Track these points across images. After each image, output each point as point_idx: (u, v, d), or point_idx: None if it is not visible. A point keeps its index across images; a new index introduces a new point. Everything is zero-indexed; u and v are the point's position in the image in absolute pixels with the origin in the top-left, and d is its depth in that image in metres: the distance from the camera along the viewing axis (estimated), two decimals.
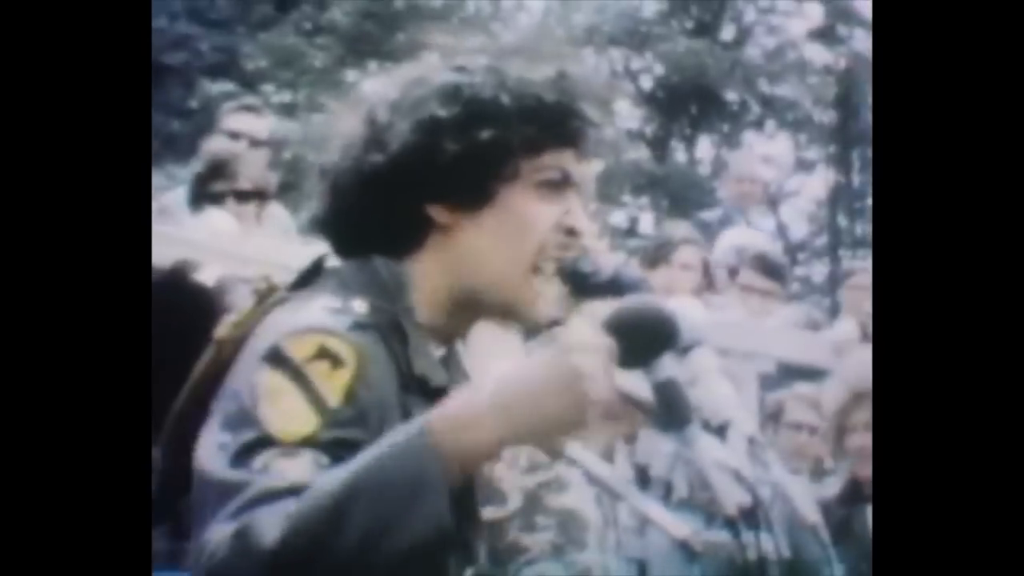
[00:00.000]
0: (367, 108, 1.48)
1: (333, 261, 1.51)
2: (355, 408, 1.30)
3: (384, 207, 1.46)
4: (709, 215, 6.27)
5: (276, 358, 1.31)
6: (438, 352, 1.47)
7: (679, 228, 5.04)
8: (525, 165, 1.45)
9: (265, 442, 1.26)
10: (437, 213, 1.46)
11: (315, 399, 1.29)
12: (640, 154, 15.46)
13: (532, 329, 1.52)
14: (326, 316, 1.36)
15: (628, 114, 16.18)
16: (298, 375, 1.29)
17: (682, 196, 14.50)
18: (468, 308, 1.49)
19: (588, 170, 1.55)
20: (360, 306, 1.39)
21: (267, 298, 1.44)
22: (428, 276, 1.47)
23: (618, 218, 16.03)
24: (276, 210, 5.02)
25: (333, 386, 1.30)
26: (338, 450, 1.27)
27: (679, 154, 16.30)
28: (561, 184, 1.48)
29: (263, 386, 1.29)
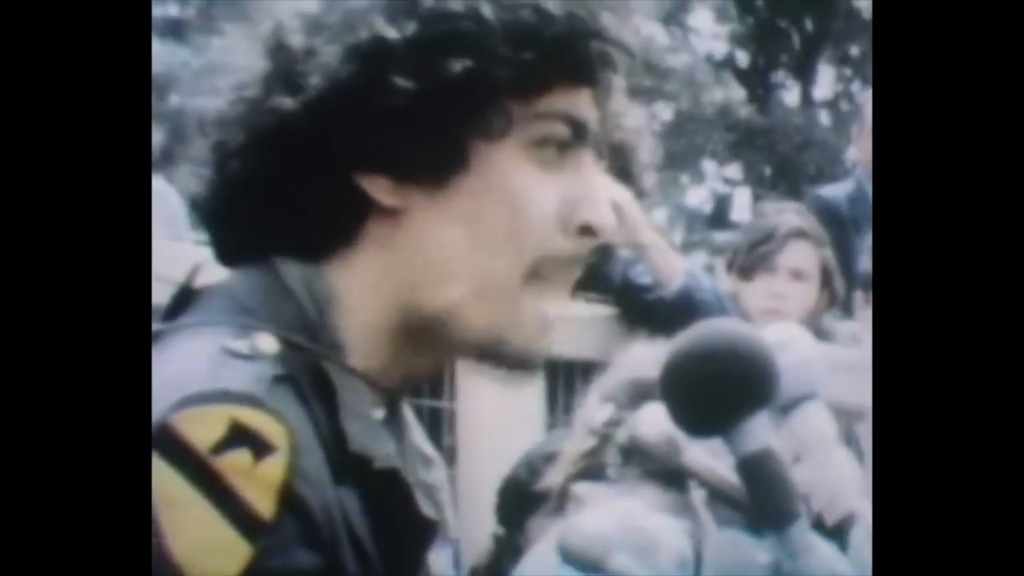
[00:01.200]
0: (272, 27, 1.45)
1: (219, 271, 1.48)
2: (298, 518, 1.29)
3: (295, 181, 1.42)
4: (833, 191, 6.26)
5: (168, 447, 1.27)
6: (376, 414, 1.45)
7: (788, 212, 5.01)
8: (517, 113, 1.41)
9: None
10: (378, 190, 1.41)
11: (239, 514, 1.27)
12: (729, 95, 15.44)
13: (526, 368, 1.47)
14: (232, 369, 1.33)
15: (709, 33, 16.17)
16: (207, 477, 1.27)
17: (792, 161, 14.48)
18: (425, 343, 1.47)
19: (625, 122, 1.50)
20: (267, 343, 1.36)
21: None
22: (362, 292, 1.43)
23: (696, 197, 15.96)
24: (158, 186, 5.06)
25: (262, 488, 1.28)
26: None
27: (788, 95, 16.30)
28: (570, 143, 1.44)
29: (156, 494, 1.26)
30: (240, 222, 1.46)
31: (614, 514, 2.20)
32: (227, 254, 1.48)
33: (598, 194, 1.45)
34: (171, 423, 1.27)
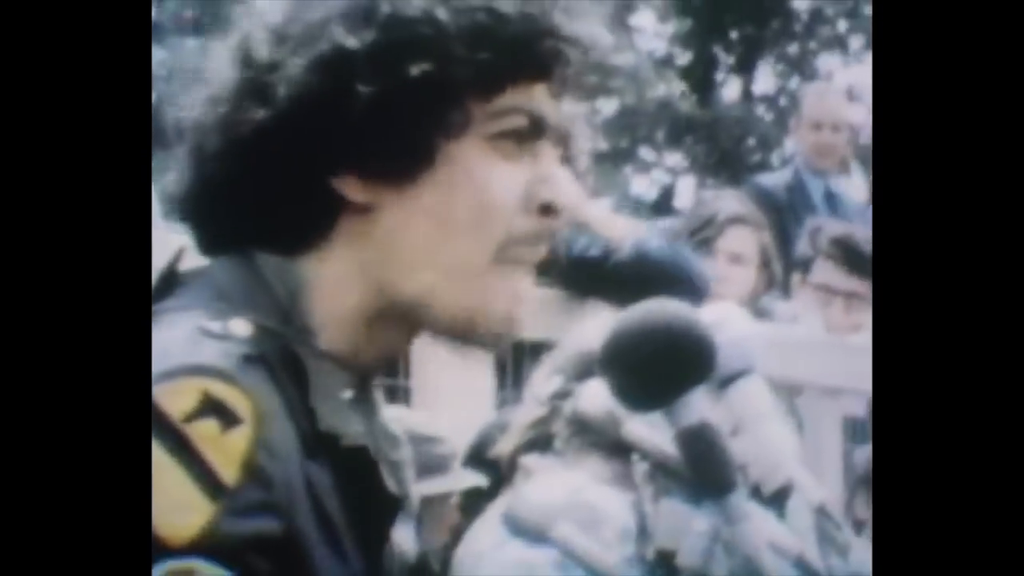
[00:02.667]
0: (238, 40, 1.48)
1: (196, 259, 1.51)
2: (260, 485, 1.32)
3: (270, 182, 1.45)
4: (772, 180, 6.30)
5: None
6: (345, 395, 1.47)
7: (728, 199, 5.04)
8: (476, 110, 1.44)
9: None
10: (349, 189, 1.45)
11: (205, 476, 1.31)
12: (671, 90, 15.51)
13: (497, 345, 1.50)
14: (205, 347, 1.37)
15: (652, 31, 16.24)
16: (177, 441, 1.31)
17: (733, 152, 14.56)
18: (397, 326, 1.49)
19: (573, 111, 1.54)
20: (241, 328, 1.40)
21: None
22: (336, 282, 1.47)
23: (641, 186, 16.07)
24: None
25: (227, 455, 1.32)
26: (244, 555, 1.30)
27: (728, 89, 16.38)
28: (529, 134, 1.47)
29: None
30: (219, 219, 1.49)
31: (560, 487, 2.20)
32: (208, 246, 1.51)
33: (557, 176, 1.47)
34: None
